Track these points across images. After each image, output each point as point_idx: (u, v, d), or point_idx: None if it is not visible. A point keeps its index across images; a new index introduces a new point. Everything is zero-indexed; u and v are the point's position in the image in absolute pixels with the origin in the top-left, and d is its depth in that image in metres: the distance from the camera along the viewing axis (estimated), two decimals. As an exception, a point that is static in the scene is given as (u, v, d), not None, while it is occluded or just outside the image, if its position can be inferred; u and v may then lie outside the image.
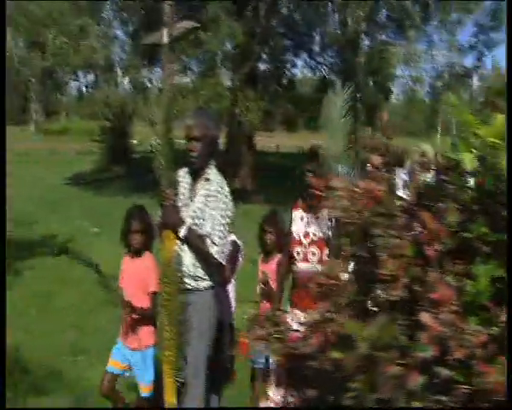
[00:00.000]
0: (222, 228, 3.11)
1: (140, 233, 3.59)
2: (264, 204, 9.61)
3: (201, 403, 3.13)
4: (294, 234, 3.51)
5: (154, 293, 3.52)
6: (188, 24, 3.27)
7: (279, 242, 3.80)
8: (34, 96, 44.83)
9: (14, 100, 46.09)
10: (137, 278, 3.62)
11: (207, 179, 3.16)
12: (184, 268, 3.09)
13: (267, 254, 3.96)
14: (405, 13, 12.77)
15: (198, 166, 3.16)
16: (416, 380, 1.37)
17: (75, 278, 7.21)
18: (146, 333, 3.60)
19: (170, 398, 2.98)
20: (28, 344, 4.90)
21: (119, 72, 16.79)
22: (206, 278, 3.16)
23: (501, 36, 14.44)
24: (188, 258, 3.11)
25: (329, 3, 16.32)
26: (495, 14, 13.83)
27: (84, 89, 42.84)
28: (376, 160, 1.83)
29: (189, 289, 3.10)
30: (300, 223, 3.52)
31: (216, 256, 3.11)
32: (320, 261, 3.41)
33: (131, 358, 3.61)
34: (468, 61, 15.32)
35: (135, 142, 21.79)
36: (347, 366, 1.42)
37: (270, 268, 3.83)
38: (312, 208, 3.46)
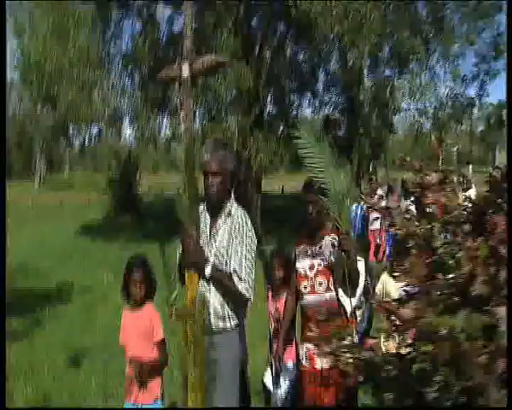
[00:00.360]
0: (248, 263, 3.04)
1: (141, 284, 3.53)
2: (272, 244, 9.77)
3: None
4: (300, 269, 3.47)
5: (162, 341, 3.52)
6: (215, 57, 3.16)
7: (288, 278, 3.77)
8: (39, 151, 45.66)
9: (17, 156, 47.06)
10: (141, 329, 3.53)
11: (229, 214, 3.09)
12: (211, 309, 3.00)
13: (277, 291, 4.08)
14: (408, 47, 13.13)
15: (218, 201, 3.07)
16: (503, 366, 1.44)
17: (97, 325, 7.25)
18: (154, 385, 3.51)
19: None
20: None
21: (128, 122, 17.28)
22: (234, 316, 3.08)
23: (501, 65, 14.92)
24: (214, 298, 3.02)
25: (332, 41, 16.89)
26: (495, 44, 14.22)
27: (86, 141, 43.83)
28: (434, 177, 2.05)
29: (215, 331, 3.01)
30: (305, 257, 3.47)
31: (244, 293, 3.02)
32: (327, 290, 3.37)
33: None
34: (471, 91, 15.79)
35: (141, 191, 22.01)
36: (438, 356, 1.48)
37: (281, 305, 3.90)
38: (314, 238, 3.43)
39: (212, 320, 3.00)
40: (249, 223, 3.10)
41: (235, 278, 2.98)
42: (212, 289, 3.00)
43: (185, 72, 2.88)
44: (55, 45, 14.37)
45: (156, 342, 3.52)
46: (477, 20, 13.56)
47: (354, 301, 3.36)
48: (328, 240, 3.37)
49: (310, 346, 3.34)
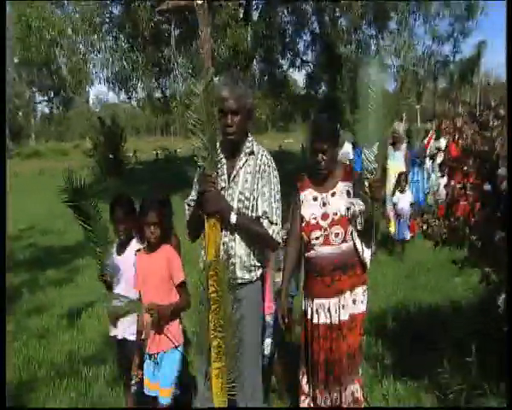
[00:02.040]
0: (278, 205, 2.91)
1: (157, 226, 3.39)
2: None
3: (261, 394, 3.05)
4: (308, 218, 3.30)
5: (183, 283, 3.44)
6: None
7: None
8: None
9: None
10: (159, 272, 3.41)
11: (251, 153, 2.92)
12: (237, 259, 2.86)
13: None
14: (390, 6, 14.81)
15: (237, 141, 2.89)
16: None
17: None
18: (176, 331, 3.44)
19: (219, 397, 2.64)
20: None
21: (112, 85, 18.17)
22: (260, 265, 2.98)
23: (473, 25, 16.85)
24: (240, 247, 2.88)
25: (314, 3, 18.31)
26: (469, 5, 16.04)
27: (53, 110, 43.73)
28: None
29: (241, 283, 2.87)
30: (314, 204, 3.32)
31: (275, 237, 2.89)
32: (344, 241, 3.25)
33: (159, 363, 3.41)
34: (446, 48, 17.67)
35: (130, 154, 23.00)
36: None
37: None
38: (324, 185, 3.31)
39: (238, 272, 2.87)
40: (273, 162, 2.97)
41: (266, 222, 2.85)
42: (237, 237, 2.86)
43: None
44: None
45: (176, 285, 3.43)
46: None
47: (369, 252, 3.36)
48: (343, 187, 3.28)
49: (322, 301, 3.28)
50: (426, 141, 11.42)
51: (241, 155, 2.91)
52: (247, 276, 2.91)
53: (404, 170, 8.07)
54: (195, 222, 2.89)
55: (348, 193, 3.25)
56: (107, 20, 15.16)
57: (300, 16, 18.73)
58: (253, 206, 2.87)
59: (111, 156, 21.65)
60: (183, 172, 19.21)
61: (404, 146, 8.45)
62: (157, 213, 3.40)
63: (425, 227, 3.94)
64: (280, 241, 2.95)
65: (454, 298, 5.74)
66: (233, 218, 2.76)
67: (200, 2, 2.60)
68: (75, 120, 59.23)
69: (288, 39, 19.10)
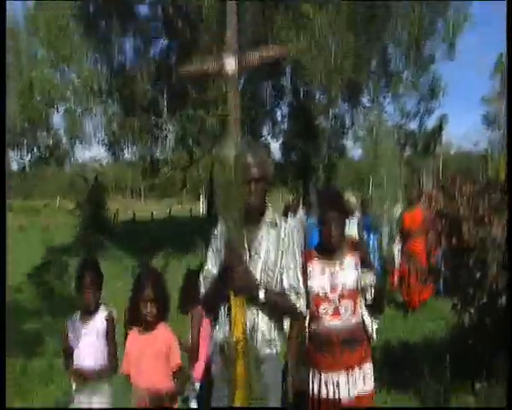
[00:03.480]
0: (302, 277, 2.89)
1: (154, 303, 3.24)
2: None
3: None
4: (316, 289, 3.30)
5: (179, 368, 3.31)
6: (276, 49, 2.91)
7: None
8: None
9: None
10: (158, 355, 3.25)
11: (275, 224, 2.87)
12: (259, 334, 2.79)
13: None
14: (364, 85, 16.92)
15: (258, 210, 2.84)
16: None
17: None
18: None
19: None
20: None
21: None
22: (279, 340, 2.91)
23: (436, 104, 19.11)
24: (263, 322, 2.81)
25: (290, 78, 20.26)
26: (432, 87, 18.35)
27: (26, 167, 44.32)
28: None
29: (262, 359, 2.76)
30: (321, 276, 3.33)
31: (302, 310, 2.89)
32: (353, 314, 3.29)
33: None
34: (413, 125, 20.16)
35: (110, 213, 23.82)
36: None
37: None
38: (333, 257, 3.34)
39: (259, 347, 2.79)
40: (297, 233, 2.98)
41: (293, 295, 2.82)
42: (260, 313, 2.80)
43: (231, 66, 2.65)
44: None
45: (173, 369, 3.30)
46: (417, 69, 17.59)
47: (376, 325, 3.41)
48: (351, 260, 3.33)
49: (331, 375, 3.26)
50: (385, 208, 11.71)
51: (263, 225, 2.85)
52: (267, 351, 2.82)
53: (357, 238, 8.07)
54: (214, 298, 2.84)
55: (356, 266, 3.32)
56: (106, 86, 16.49)
57: (279, 90, 20.64)
58: (277, 279, 2.82)
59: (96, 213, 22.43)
60: (161, 235, 20.16)
61: (356, 215, 8.69)
62: (155, 289, 3.25)
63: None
64: (305, 314, 2.98)
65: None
66: (261, 295, 2.70)
67: (230, 71, 2.61)
68: (46, 178, 59.64)
69: (267, 108, 20.89)
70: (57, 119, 19.21)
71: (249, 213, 2.71)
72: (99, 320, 3.53)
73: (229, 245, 2.60)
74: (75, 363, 3.50)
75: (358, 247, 3.46)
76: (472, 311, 4.44)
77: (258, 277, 2.76)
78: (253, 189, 2.74)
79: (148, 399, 3.13)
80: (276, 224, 2.87)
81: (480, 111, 59.51)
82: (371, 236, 9.98)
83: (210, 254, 2.95)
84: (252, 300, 2.68)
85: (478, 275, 4.19)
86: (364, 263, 3.35)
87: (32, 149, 40.40)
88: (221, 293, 2.72)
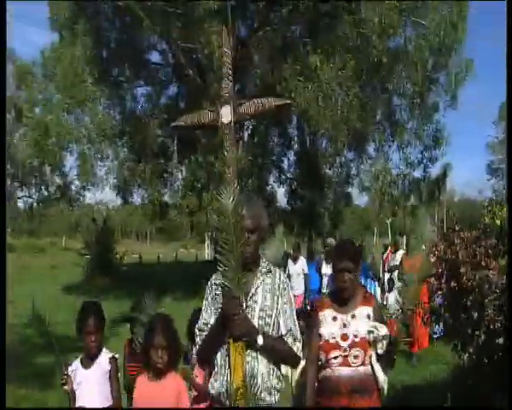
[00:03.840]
0: (297, 322, 3.00)
1: (165, 350, 3.23)
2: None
3: None
4: (327, 337, 3.38)
5: None
6: (277, 100, 2.91)
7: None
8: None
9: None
10: (168, 404, 3.22)
11: (269, 272, 2.99)
12: (259, 380, 2.82)
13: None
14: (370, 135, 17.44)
15: (253, 259, 2.94)
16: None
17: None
18: None
19: None
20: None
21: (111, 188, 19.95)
22: (279, 386, 2.96)
23: (439, 153, 19.58)
24: (263, 366, 2.87)
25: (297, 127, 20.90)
26: (435, 137, 18.82)
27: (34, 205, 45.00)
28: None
29: (263, 406, 2.80)
30: (333, 324, 3.41)
31: (299, 354, 2.97)
32: (363, 364, 3.35)
33: None
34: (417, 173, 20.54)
35: (119, 255, 24.12)
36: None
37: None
38: (346, 306, 3.44)
39: (260, 394, 2.82)
40: (288, 281, 3.09)
41: (290, 340, 2.92)
42: (259, 357, 2.87)
43: (226, 116, 2.68)
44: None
45: None
46: (421, 118, 18.10)
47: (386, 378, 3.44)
48: (364, 310, 3.40)
49: None
50: (385, 255, 11.53)
51: (258, 274, 2.96)
52: (267, 398, 2.86)
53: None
54: (210, 347, 2.93)
55: (368, 317, 3.39)
56: (118, 132, 17.07)
57: (286, 138, 21.24)
58: (274, 323, 2.91)
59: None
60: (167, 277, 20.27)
61: None
62: (166, 336, 3.25)
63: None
64: (301, 357, 3.03)
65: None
66: (260, 340, 2.78)
67: (225, 121, 2.64)
68: (51, 217, 60.38)
69: (274, 157, 21.41)
70: (70, 161, 19.47)
71: (244, 263, 2.75)
72: (103, 362, 3.60)
73: (229, 293, 2.69)
74: (79, 405, 3.55)
75: (372, 299, 3.56)
76: (471, 350, 4.64)
77: (255, 322, 2.84)
78: (247, 239, 2.80)
79: None
80: (271, 271, 2.99)
81: (484, 160, 60.55)
82: (368, 281, 9.86)
83: (206, 304, 3.03)
84: (250, 346, 2.75)
85: (475, 316, 4.44)
86: (377, 315, 3.43)
87: (40, 189, 41.11)
88: (218, 341, 2.85)
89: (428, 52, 16.26)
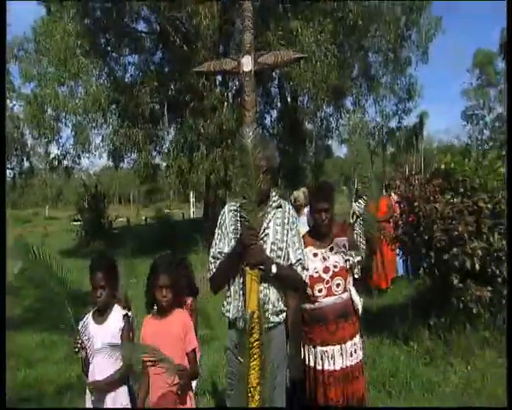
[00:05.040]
0: (304, 252, 3.26)
1: (169, 289, 3.32)
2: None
3: None
4: (311, 272, 3.58)
5: (194, 350, 3.37)
6: (295, 53, 3.12)
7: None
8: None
9: None
10: (175, 337, 3.32)
11: (279, 207, 3.21)
12: (270, 305, 3.08)
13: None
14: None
15: (265, 195, 3.15)
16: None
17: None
18: (185, 399, 3.37)
19: None
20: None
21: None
22: (284, 309, 3.22)
23: (413, 104, 21.40)
24: (273, 294, 3.13)
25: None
26: (408, 89, 20.61)
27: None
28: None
29: (271, 327, 3.07)
30: (314, 259, 3.69)
31: (307, 281, 3.27)
32: (344, 290, 3.68)
33: None
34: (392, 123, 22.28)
35: (112, 218, 25.35)
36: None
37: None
38: (324, 241, 3.74)
39: (270, 317, 3.08)
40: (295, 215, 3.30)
41: (299, 268, 3.18)
42: (270, 286, 3.10)
43: (247, 65, 2.74)
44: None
45: (188, 352, 3.37)
46: (395, 73, 19.87)
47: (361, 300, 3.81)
48: (339, 241, 3.72)
49: (326, 348, 3.64)
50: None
51: (269, 209, 3.18)
52: (276, 319, 3.16)
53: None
54: (225, 274, 3.16)
55: (344, 246, 3.71)
56: (114, 101, 18.37)
57: (268, 97, 22.63)
58: (284, 255, 3.16)
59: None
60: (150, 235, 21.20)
61: (305, 211, 8.44)
62: (169, 276, 3.32)
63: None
64: (307, 283, 3.33)
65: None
66: (274, 269, 3.00)
67: (246, 70, 2.75)
68: (32, 187, 61.07)
69: (257, 115, 22.74)
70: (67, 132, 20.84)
71: (259, 199, 2.93)
72: (114, 319, 3.54)
73: (247, 225, 2.90)
74: (90, 371, 3.52)
75: (346, 230, 3.92)
76: (425, 265, 6.46)
77: (268, 254, 3.09)
78: (261, 177, 2.94)
79: (173, 373, 3.09)
80: (281, 205, 3.26)
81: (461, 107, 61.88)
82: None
83: (219, 233, 3.26)
84: (264, 274, 2.99)
85: (426, 238, 6.19)
86: (352, 244, 3.79)
87: (22, 160, 41.77)
88: (234, 269, 3.10)
89: (401, 12, 17.85)
